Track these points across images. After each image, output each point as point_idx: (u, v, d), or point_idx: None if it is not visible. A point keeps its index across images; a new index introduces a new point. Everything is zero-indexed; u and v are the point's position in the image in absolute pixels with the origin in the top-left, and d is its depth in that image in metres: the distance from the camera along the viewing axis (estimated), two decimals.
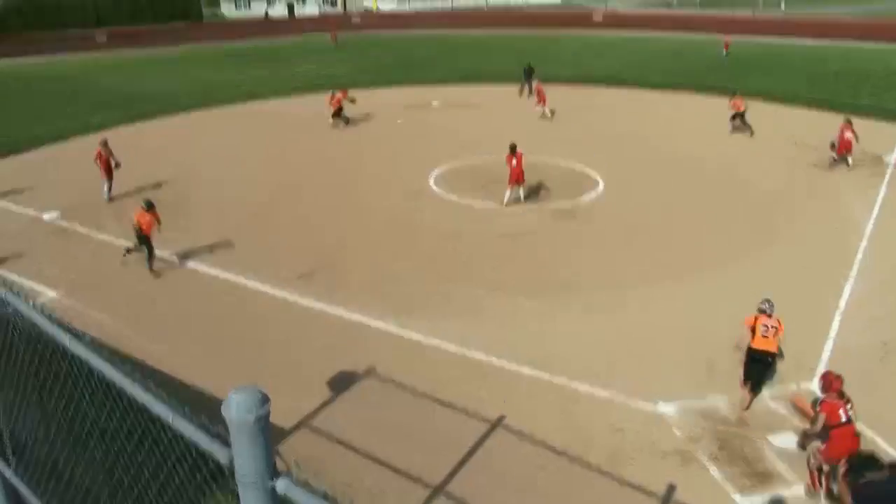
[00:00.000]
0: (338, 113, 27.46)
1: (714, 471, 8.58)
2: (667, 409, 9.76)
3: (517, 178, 17.92)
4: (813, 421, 8.27)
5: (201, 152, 24.24)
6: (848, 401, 8.16)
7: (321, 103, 28.54)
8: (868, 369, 10.50)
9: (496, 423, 9.42)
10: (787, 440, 9.00)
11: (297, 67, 45.47)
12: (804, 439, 8.59)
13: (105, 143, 19.27)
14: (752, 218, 17.05)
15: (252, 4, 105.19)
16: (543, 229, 16.69)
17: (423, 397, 10.03)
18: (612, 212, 17.61)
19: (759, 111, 25.95)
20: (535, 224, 16.98)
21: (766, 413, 9.60)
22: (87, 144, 22.40)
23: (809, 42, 50.55)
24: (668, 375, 10.50)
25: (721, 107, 26.09)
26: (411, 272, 14.40)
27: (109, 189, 19.17)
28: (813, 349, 11.03)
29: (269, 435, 2.33)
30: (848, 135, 20.50)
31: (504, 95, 31.76)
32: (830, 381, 8.32)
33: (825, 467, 8.12)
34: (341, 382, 10.48)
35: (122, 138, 23.00)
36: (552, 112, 28.30)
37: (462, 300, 13.12)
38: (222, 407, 2.27)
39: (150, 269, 14.50)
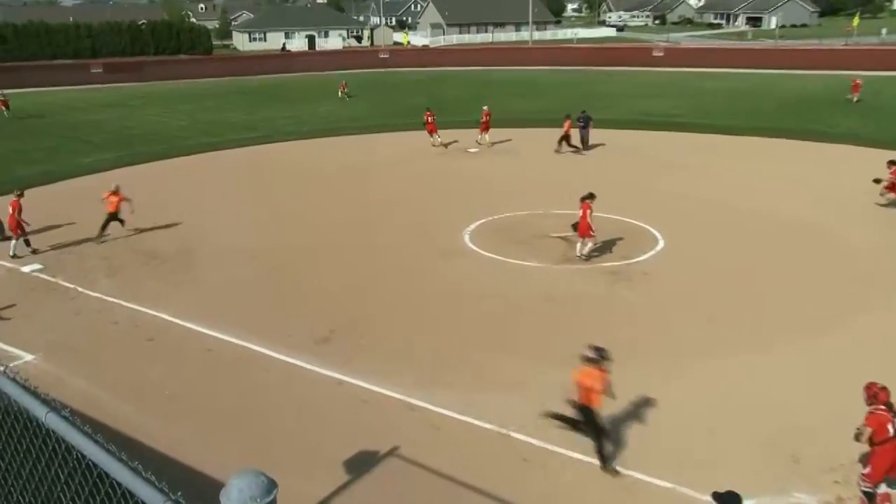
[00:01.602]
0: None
1: None
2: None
3: (579, 230, 18.13)
4: (858, 435, 8.46)
5: (207, 201, 24.75)
6: None
7: (342, 148, 29.15)
8: None
9: None
10: None
11: (317, 107, 46.65)
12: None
13: (20, 195, 19.30)
14: (841, 278, 16.68)
15: (268, 36, 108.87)
16: (594, 292, 16.50)
17: (454, 483, 9.78)
18: (673, 273, 17.38)
19: (850, 156, 25.72)
20: (585, 286, 16.82)
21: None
22: (77, 188, 23.10)
23: None
24: (743, 467, 10.10)
25: (795, 151, 25.97)
26: (442, 339, 14.29)
27: (26, 244, 19.29)
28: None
29: None
30: None
31: (547, 140, 32.02)
32: (876, 393, 8.53)
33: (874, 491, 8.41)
34: (360, 463, 10.30)
35: (117, 181, 23.58)
36: (488, 143, 31.32)
37: (500, 372, 12.92)
38: (221, 494, 2.21)
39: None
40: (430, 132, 32.48)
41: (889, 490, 8.64)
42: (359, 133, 37.14)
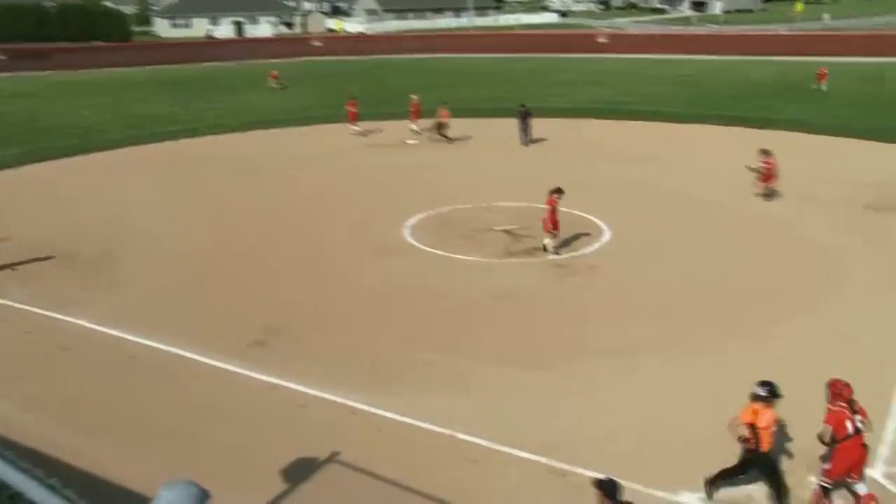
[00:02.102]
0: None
1: None
2: (692, 500, 9.60)
3: (544, 225, 18.28)
4: (821, 436, 8.78)
5: (130, 198, 24.21)
6: (857, 411, 8.73)
7: (274, 141, 28.83)
8: None
9: None
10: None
11: (246, 99, 46.02)
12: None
13: None
14: (792, 273, 17.16)
15: (193, 22, 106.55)
16: (541, 287, 16.70)
17: (400, 488, 9.78)
18: (620, 266, 17.69)
19: (799, 144, 26.51)
20: (531, 281, 17.00)
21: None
22: None
23: (853, 59, 52.04)
24: (692, 460, 10.33)
25: (748, 140, 26.68)
26: (385, 339, 14.27)
27: None
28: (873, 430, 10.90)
29: None
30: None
31: (490, 131, 32.26)
32: (840, 390, 8.86)
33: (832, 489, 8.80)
34: (300, 470, 10.21)
35: (27, 179, 22.84)
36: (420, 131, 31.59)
37: (446, 372, 12.98)
38: None
39: None
40: (352, 121, 33.22)
41: (862, 491, 8.93)
42: (292, 125, 36.79)
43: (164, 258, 18.72)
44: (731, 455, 10.33)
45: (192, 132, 35.04)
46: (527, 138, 31.26)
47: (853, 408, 8.79)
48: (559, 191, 18.22)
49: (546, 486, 9.93)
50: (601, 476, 7.54)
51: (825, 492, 8.90)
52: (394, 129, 33.48)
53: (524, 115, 31.41)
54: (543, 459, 10.36)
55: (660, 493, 9.69)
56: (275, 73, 51.95)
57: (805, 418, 11.07)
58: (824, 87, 43.23)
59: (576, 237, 19.36)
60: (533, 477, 10.13)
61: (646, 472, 10.03)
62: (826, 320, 14.65)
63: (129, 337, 14.43)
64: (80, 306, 15.75)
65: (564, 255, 18.24)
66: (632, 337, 14.12)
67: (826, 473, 8.82)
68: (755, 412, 9.03)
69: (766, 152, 22.49)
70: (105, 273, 17.79)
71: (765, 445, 9.04)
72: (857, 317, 14.71)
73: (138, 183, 26.22)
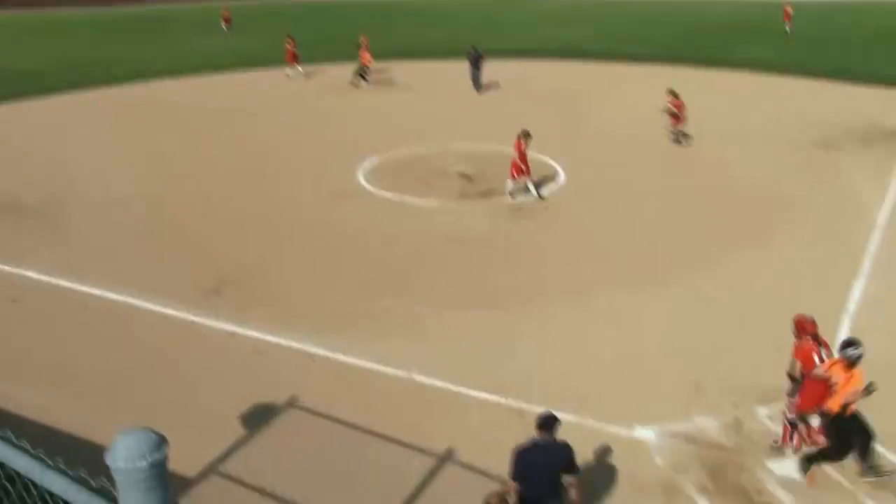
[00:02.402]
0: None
1: None
2: (646, 434, 9.86)
3: (513, 170, 18.13)
4: (790, 369, 9.02)
5: (75, 146, 23.54)
6: (823, 344, 8.99)
7: (225, 86, 28.17)
8: (886, 384, 10.75)
9: (446, 459, 9.36)
10: (790, 466, 9.18)
11: (196, 42, 44.73)
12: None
13: None
14: (743, 210, 17.50)
15: None
16: (496, 230, 16.77)
17: (358, 432, 9.89)
18: (575, 207, 17.83)
19: (751, 84, 26.73)
20: (486, 224, 17.05)
21: (764, 434, 9.79)
22: None
23: None
24: (647, 396, 10.63)
25: (698, 80, 26.83)
26: (340, 285, 14.25)
27: None
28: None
29: (168, 487, 2.23)
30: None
31: (442, 73, 31.90)
32: (804, 325, 9.08)
33: (799, 423, 9.04)
34: (259, 418, 10.25)
35: None
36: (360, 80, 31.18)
37: (402, 316, 13.04)
38: (106, 454, 2.16)
39: None
40: (290, 62, 32.96)
41: (814, 423, 9.19)
42: (244, 70, 35.92)
43: (113, 207, 18.31)
44: (683, 389, 10.64)
45: (138, 77, 34.02)
46: (479, 83, 30.55)
47: (819, 342, 9.04)
48: (527, 134, 18.06)
49: (504, 426, 10.09)
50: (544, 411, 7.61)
51: (792, 426, 9.20)
52: (347, 73, 32.90)
53: (476, 58, 30.52)
54: (501, 400, 10.53)
55: (615, 429, 9.94)
56: (227, 14, 49.82)
57: (752, 351, 11.45)
58: (787, 29, 42.70)
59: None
60: (491, 417, 10.29)
61: (602, 409, 10.28)
62: (774, 255, 15.01)
63: (80, 287, 14.18)
64: (27, 257, 15.39)
65: (520, 198, 18.28)
66: (586, 277, 14.30)
67: (795, 408, 9.06)
68: (853, 376, 8.41)
69: (673, 93, 22.37)
70: (52, 223, 17.36)
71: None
72: (805, 251, 15.10)
73: (84, 130, 25.48)
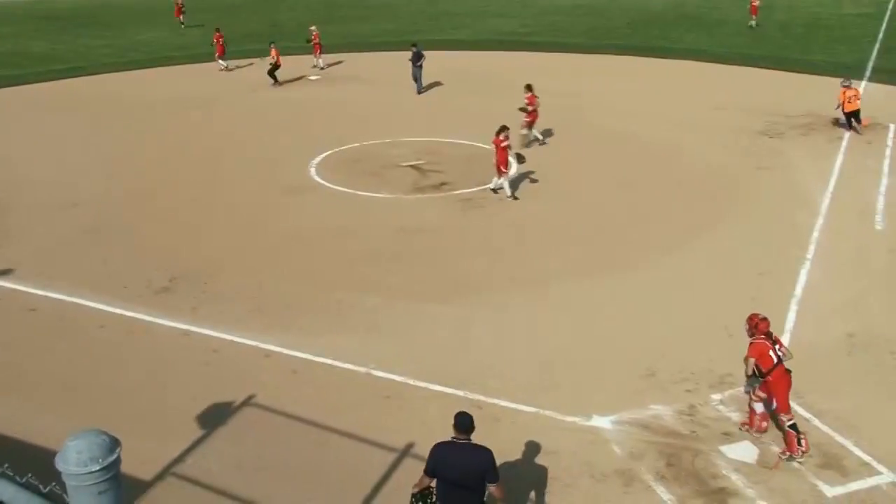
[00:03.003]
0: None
1: (662, 491, 8.81)
2: (603, 423, 9.97)
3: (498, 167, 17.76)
4: (745, 368, 9.23)
5: (12, 145, 22.90)
6: (776, 341, 9.26)
7: (171, 79, 27.64)
8: (833, 367, 11.07)
9: (405, 453, 9.35)
10: (743, 450, 9.38)
11: (139, 34, 43.82)
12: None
13: None
14: (691, 197, 17.76)
15: None
16: (448, 222, 16.78)
17: (316, 428, 9.83)
18: (528, 198, 17.89)
19: (695, 72, 27.06)
20: (438, 216, 17.05)
21: (718, 420, 9.98)
22: None
23: None
24: (602, 385, 10.75)
25: (645, 69, 27.14)
26: (293, 280, 14.13)
27: None
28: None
29: (122, 490, 2.17)
30: None
31: (390, 66, 31.69)
32: (756, 324, 9.30)
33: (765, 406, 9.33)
34: (216, 416, 10.12)
35: None
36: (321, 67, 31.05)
37: (356, 310, 12.98)
38: (57, 458, 2.10)
39: None
40: (219, 55, 32.37)
41: (759, 410, 9.48)
42: (188, 62, 35.27)
43: (56, 207, 17.85)
44: (637, 377, 10.79)
45: (78, 71, 33.21)
46: (420, 82, 28.61)
47: (771, 339, 9.25)
48: (504, 129, 17.71)
49: None
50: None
51: (757, 409, 9.43)
52: (294, 65, 32.55)
53: (417, 56, 28.45)
54: (459, 392, 10.56)
55: (572, 419, 10.04)
56: (180, 4, 46.07)
57: (704, 338, 11.65)
58: (753, 23, 40.17)
59: (483, 171, 19.40)
60: (450, 410, 10.21)
61: (558, 399, 10.38)
62: (724, 242, 15.28)
63: (27, 289, 13.84)
64: None
65: (473, 189, 18.29)
66: (540, 267, 14.40)
67: (759, 391, 9.24)
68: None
69: (529, 87, 21.47)
70: None
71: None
72: (753, 238, 15.39)
73: (21, 128, 24.81)
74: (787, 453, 9.18)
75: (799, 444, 9.11)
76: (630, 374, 10.96)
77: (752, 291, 12.98)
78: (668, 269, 14.21)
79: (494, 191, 18.02)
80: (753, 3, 40.26)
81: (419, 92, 28.59)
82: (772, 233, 15.66)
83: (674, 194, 17.96)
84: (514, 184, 18.20)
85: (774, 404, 9.20)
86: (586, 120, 24.07)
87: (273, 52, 29.91)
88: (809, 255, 14.60)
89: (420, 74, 28.66)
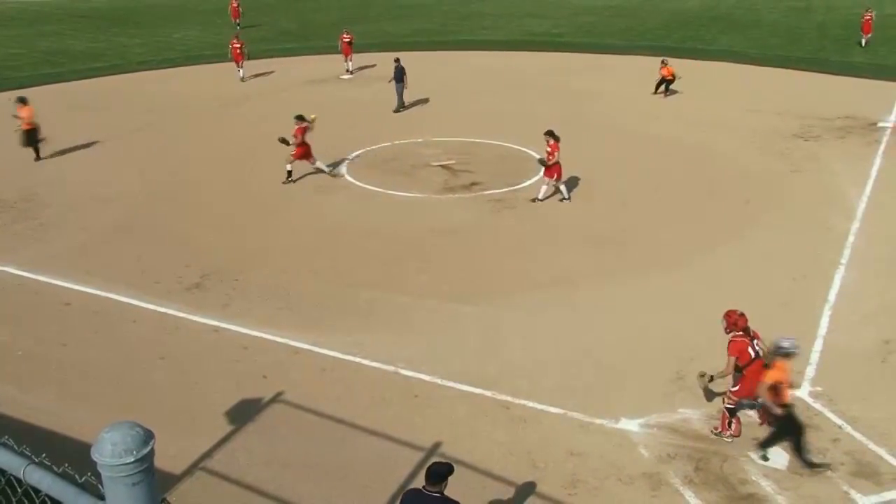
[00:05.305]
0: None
1: (690, 496, 8.74)
2: (631, 426, 9.92)
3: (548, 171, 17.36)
4: (726, 366, 9.33)
5: (52, 140, 23.20)
6: (754, 336, 9.33)
7: (206, 78, 27.87)
8: (867, 373, 10.90)
9: (432, 452, 9.37)
10: (773, 456, 9.27)
11: (175, 32, 44.31)
12: (709, 385, 9.86)
13: None
14: (724, 199, 17.55)
15: None
16: (478, 222, 16.76)
17: (345, 426, 9.89)
18: (556, 199, 17.78)
19: (730, 74, 26.71)
20: (469, 216, 17.04)
21: (747, 425, 9.85)
22: None
23: None
24: (631, 388, 10.68)
25: (684, 71, 26.98)
26: (323, 278, 14.21)
27: None
28: (801, 350, 11.32)
29: (155, 482, 2.21)
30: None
31: (422, 65, 31.72)
32: (735, 320, 9.39)
33: (737, 411, 9.48)
34: (244, 413, 10.22)
35: None
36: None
37: (387, 309, 13.02)
38: (93, 450, 2.14)
39: None
40: (237, 61, 31.28)
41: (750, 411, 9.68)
42: (223, 62, 35.52)
43: (91, 203, 18.14)
44: (667, 380, 10.70)
45: (116, 69, 33.66)
46: (402, 100, 26.29)
47: (749, 335, 9.34)
48: (549, 133, 17.25)
49: (490, 418, 10.13)
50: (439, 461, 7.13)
51: (730, 413, 9.51)
52: (326, 65, 32.71)
53: (399, 72, 25.97)
54: (486, 392, 10.55)
55: (600, 421, 9.99)
56: (235, 4, 44.65)
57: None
58: (864, 41, 34.77)
59: (514, 171, 19.41)
60: (477, 410, 10.31)
61: (587, 401, 10.33)
62: (758, 245, 15.08)
63: (62, 283, 14.07)
64: (8, 253, 15.26)
65: (503, 190, 18.26)
66: (571, 269, 14.34)
67: (733, 395, 9.40)
68: (782, 368, 8.88)
69: (551, 134, 17.45)
70: (31, 219, 17.18)
71: (786, 399, 8.98)
72: (788, 241, 15.18)
73: (59, 124, 25.14)
74: (717, 430, 9.53)
75: (729, 426, 9.47)
76: (659, 376, 10.89)
77: (784, 296, 12.83)
78: (700, 271, 14.07)
79: (540, 199, 17.61)
80: (866, 19, 34.61)
81: (401, 108, 26.21)
82: (806, 237, 15.44)
83: (706, 196, 17.78)
84: (569, 186, 18.05)
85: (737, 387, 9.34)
86: (619, 121, 23.90)
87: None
88: (844, 260, 14.37)
89: (403, 91, 26.19)
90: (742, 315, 9.40)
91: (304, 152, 19.05)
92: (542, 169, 17.49)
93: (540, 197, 17.54)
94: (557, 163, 17.22)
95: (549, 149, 17.29)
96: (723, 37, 38.82)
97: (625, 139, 22.22)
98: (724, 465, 9.20)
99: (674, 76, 26.60)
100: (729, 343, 9.34)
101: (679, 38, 38.11)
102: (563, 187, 17.67)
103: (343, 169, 18.95)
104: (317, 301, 13.32)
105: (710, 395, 10.09)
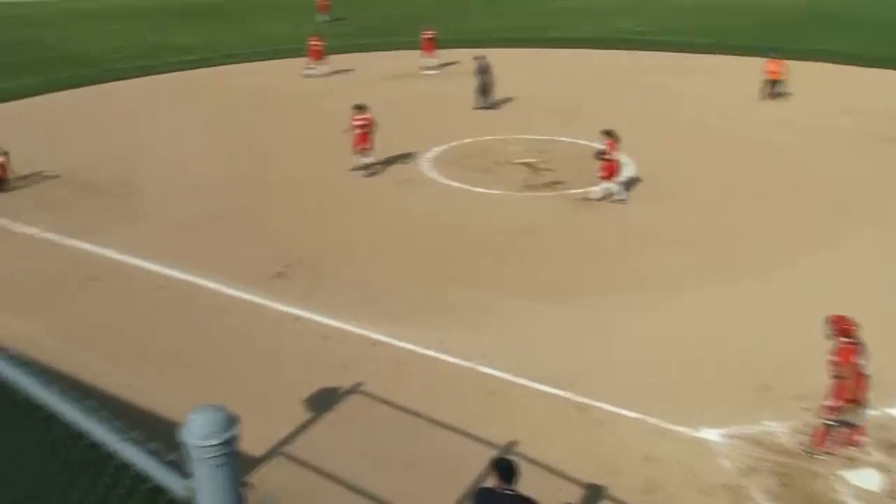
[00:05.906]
0: None
1: None
2: (712, 435, 9.65)
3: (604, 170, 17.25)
4: (838, 372, 8.80)
5: (148, 130, 24.15)
6: (859, 345, 8.82)
7: (295, 71, 28.36)
8: None
9: (507, 449, 9.31)
10: (866, 477, 8.86)
11: (261, 28, 45.31)
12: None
13: None
14: (817, 205, 16.95)
15: None
16: (560, 221, 16.60)
17: (421, 419, 9.94)
18: (643, 200, 17.48)
19: (825, 74, 25.72)
20: (553, 215, 16.90)
21: (842, 444, 9.44)
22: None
23: None
24: (714, 396, 10.39)
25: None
26: (405, 272, 14.31)
27: None
28: None
29: (237, 464, 2.25)
30: None
31: (509, 61, 31.57)
32: (846, 326, 8.87)
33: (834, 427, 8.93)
34: (324, 402, 10.39)
35: (36, 110, 22.71)
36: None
37: (466, 305, 13.03)
38: (181, 431, 2.19)
39: None
40: (315, 58, 31.64)
41: (859, 422, 9.02)
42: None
43: (184, 190, 18.76)
44: (751, 390, 10.38)
45: (208, 62, 34.63)
46: (487, 99, 25.84)
47: (857, 342, 8.83)
48: (607, 133, 17.18)
49: (567, 419, 10.02)
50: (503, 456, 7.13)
51: (827, 427, 8.99)
52: (407, 59, 32.89)
53: (483, 69, 25.80)
54: (564, 393, 10.44)
55: (680, 429, 9.76)
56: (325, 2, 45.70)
57: (825, 354, 11.07)
58: None
59: (596, 170, 19.10)
60: (553, 410, 10.22)
61: (667, 407, 10.10)
62: (853, 255, 14.47)
63: (156, 268, 14.58)
64: (106, 237, 15.89)
65: (585, 189, 18.01)
66: (654, 271, 14.06)
67: (830, 409, 8.85)
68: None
69: (609, 133, 17.76)
70: (128, 204, 17.88)
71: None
72: (882, 252, 14.54)
73: (154, 114, 26.11)
74: (810, 446, 9.06)
75: (823, 442, 8.96)
76: (744, 386, 10.57)
77: (882, 308, 12.26)
78: (792, 279, 13.59)
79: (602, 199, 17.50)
80: None
81: (489, 106, 25.69)
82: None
83: (797, 201, 17.18)
84: (626, 187, 17.81)
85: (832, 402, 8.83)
86: (708, 123, 23.33)
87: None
88: None
89: (488, 91, 25.76)
90: (853, 321, 8.92)
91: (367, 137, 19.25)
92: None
93: (597, 198, 17.41)
94: (612, 162, 17.04)
95: (605, 147, 17.25)
96: (819, 35, 37.36)
97: (714, 140, 21.68)
98: (813, 482, 8.84)
99: (779, 74, 25.69)
100: (841, 350, 8.79)
101: (773, 38, 36.84)
102: (619, 188, 17.40)
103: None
104: (397, 294, 13.43)
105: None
